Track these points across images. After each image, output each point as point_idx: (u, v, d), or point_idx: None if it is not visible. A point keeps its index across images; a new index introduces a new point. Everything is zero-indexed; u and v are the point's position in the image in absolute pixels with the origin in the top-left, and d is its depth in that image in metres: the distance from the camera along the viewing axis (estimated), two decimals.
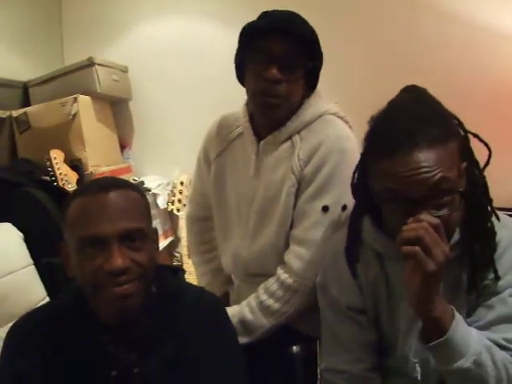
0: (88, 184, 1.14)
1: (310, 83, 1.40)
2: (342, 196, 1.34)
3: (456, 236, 1.08)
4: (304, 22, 1.36)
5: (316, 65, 1.37)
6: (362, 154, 1.12)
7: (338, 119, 1.41)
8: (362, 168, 1.13)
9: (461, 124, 1.08)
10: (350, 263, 1.17)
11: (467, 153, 1.07)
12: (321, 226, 1.35)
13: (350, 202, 1.33)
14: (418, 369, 1.13)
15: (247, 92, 1.41)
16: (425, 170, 0.96)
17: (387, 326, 1.18)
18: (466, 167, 1.04)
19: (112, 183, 1.03)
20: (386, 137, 1.02)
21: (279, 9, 1.38)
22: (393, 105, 1.07)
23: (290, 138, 1.40)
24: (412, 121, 1.00)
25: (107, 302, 0.96)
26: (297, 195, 1.39)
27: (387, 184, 1.00)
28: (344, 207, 1.34)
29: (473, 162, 1.08)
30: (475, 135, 1.09)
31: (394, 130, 1.01)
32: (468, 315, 1.12)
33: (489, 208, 1.10)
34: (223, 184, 1.55)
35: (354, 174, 1.18)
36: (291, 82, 1.32)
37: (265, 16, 1.36)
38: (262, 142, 1.44)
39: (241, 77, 1.43)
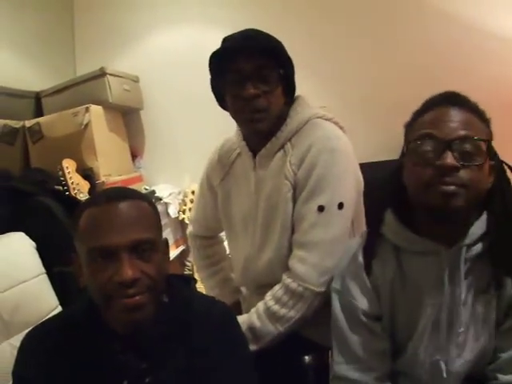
0: (98, 195, 1.15)
1: (288, 90, 1.43)
2: (336, 194, 1.34)
3: (479, 231, 1.09)
4: (266, 35, 1.39)
5: (287, 71, 1.40)
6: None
7: (325, 121, 1.43)
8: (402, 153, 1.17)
9: (496, 156, 1.12)
10: (367, 258, 1.18)
11: (499, 169, 1.12)
12: (318, 226, 1.35)
13: (347, 199, 1.35)
14: (443, 367, 1.13)
15: (230, 113, 1.45)
16: (460, 120, 1.04)
17: (403, 327, 1.18)
18: (495, 168, 1.09)
19: (122, 194, 1.03)
20: (431, 99, 1.12)
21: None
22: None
23: (282, 147, 1.43)
24: (456, 94, 1.10)
25: (118, 313, 0.96)
26: (294, 200, 1.40)
27: (423, 130, 1.07)
28: (340, 205, 1.34)
29: (505, 180, 1.13)
30: (509, 167, 1.15)
31: (440, 95, 1.11)
32: (497, 332, 1.12)
33: None
34: (230, 206, 1.58)
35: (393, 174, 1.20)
36: (269, 94, 1.36)
37: (227, 40, 1.40)
38: (257, 156, 1.47)
39: (222, 103, 1.48)
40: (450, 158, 1.01)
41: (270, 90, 1.36)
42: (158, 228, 1.06)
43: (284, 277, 1.39)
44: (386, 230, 1.17)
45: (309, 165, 1.36)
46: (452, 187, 1.02)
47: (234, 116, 1.44)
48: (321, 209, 1.34)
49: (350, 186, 1.37)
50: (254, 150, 1.48)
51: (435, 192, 1.03)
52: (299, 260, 1.37)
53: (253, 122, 1.39)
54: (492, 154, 1.08)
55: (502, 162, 1.14)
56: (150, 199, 1.09)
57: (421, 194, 1.07)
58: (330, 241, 1.33)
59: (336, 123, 1.45)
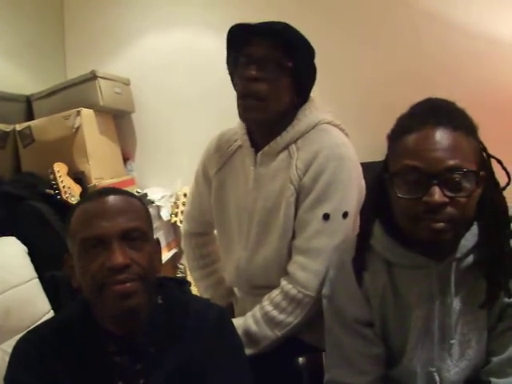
0: (89, 194, 1.17)
1: (299, 89, 1.41)
2: (342, 203, 1.34)
3: (470, 243, 1.07)
4: (288, 27, 1.37)
5: (301, 69, 1.37)
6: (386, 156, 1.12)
7: (333, 127, 1.42)
8: (384, 165, 1.13)
9: (484, 149, 1.09)
10: (358, 271, 1.16)
11: (489, 173, 1.08)
12: (322, 234, 1.34)
13: (351, 208, 1.34)
14: (437, 378, 1.12)
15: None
16: (445, 147, 0.98)
17: (395, 338, 1.17)
18: (484, 177, 1.04)
19: (113, 190, 1.06)
20: (412, 116, 1.06)
21: (281, 18, 1.39)
22: (423, 99, 1.10)
23: (286, 148, 1.42)
24: (439, 108, 1.04)
25: (110, 301, 0.97)
26: (296, 205, 1.39)
27: (407, 161, 1.01)
28: (345, 214, 1.34)
29: (494, 184, 1.09)
30: (499, 161, 1.10)
31: (422, 111, 1.05)
32: (490, 336, 1.11)
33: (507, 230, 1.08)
34: (224, 198, 1.56)
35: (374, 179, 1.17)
36: (270, 81, 1.34)
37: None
38: (259, 154, 1.45)
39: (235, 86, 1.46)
40: (437, 195, 0.97)
41: (273, 78, 1.34)
42: (148, 222, 1.08)
43: (283, 282, 1.39)
44: (375, 242, 1.15)
45: (315, 171, 1.35)
46: (441, 224, 0.99)
47: (237, 100, 1.41)
48: (326, 217, 1.34)
49: (354, 195, 1.37)
50: (257, 146, 1.47)
51: (423, 228, 1.01)
52: (300, 266, 1.36)
53: (247, 109, 1.38)
54: (482, 164, 1.05)
55: (491, 156, 1.10)
56: (140, 198, 1.12)
57: (408, 226, 1.05)
58: (333, 249, 1.33)
59: (342, 130, 1.44)
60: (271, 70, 1.34)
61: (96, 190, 1.13)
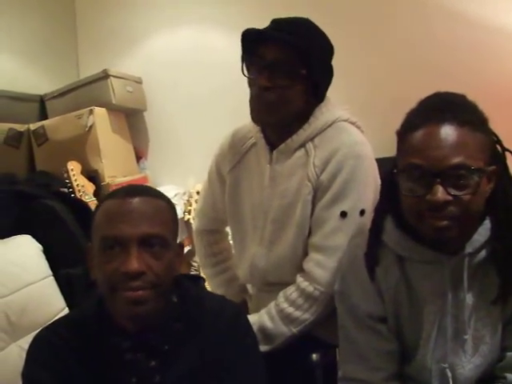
0: (118, 189, 1.16)
1: (314, 91, 1.39)
2: (359, 201, 1.34)
3: (483, 238, 1.06)
4: (302, 30, 1.35)
5: (315, 74, 1.35)
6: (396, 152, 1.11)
7: (350, 125, 1.41)
8: (395, 161, 1.12)
9: (499, 141, 1.08)
10: (370, 266, 1.16)
11: (502, 167, 1.07)
12: (340, 231, 1.34)
13: (368, 206, 1.33)
14: (449, 373, 1.11)
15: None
16: (450, 144, 0.97)
17: (408, 333, 1.16)
18: (495, 172, 1.03)
19: (141, 190, 1.05)
20: (419, 113, 1.05)
21: (290, 13, 1.38)
22: (431, 94, 1.09)
23: (303, 145, 1.41)
24: (447, 103, 1.03)
25: (121, 306, 0.97)
26: (313, 203, 1.38)
27: (411, 159, 1.01)
28: (362, 212, 1.33)
29: (507, 178, 1.08)
30: None
31: (428, 107, 1.04)
32: (504, 332, 1.11)
33: None
34: (238, 196, 1.55)
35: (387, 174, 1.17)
36: (283, 89, 1.33)
37: (271, 22, 1.38)
38: (275, 151, 1.44)
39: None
40: (440, 193, 0.96)
41: (286, 86, 1.32)
42: (172, 227, 1.07)
43: (300, 279, 1.38)
44: (387, 238, 1.15)
45: (333, 169, 1.35)
46: (444, 222, 0.99)
47: (249, 102, 1.40)
48: (343, 215, 1.33)
49: (370, 193, 1.36)
50: (272, 143, 1.46)
51: (427, 225, 1.01)
52: (317, 264, 1.36)
53: (258, 113, 1.38)
54: (493, 158, 1.03)
55: (507, 149, 1.08)
56: (169, 199, 1.09)
57: (414, 222, 1.06)
58: (348, 247, 1.32)
59: (359, 127, 1.43)
60: (283, 77, 1.32)
61: (125, 187, 1.12)
